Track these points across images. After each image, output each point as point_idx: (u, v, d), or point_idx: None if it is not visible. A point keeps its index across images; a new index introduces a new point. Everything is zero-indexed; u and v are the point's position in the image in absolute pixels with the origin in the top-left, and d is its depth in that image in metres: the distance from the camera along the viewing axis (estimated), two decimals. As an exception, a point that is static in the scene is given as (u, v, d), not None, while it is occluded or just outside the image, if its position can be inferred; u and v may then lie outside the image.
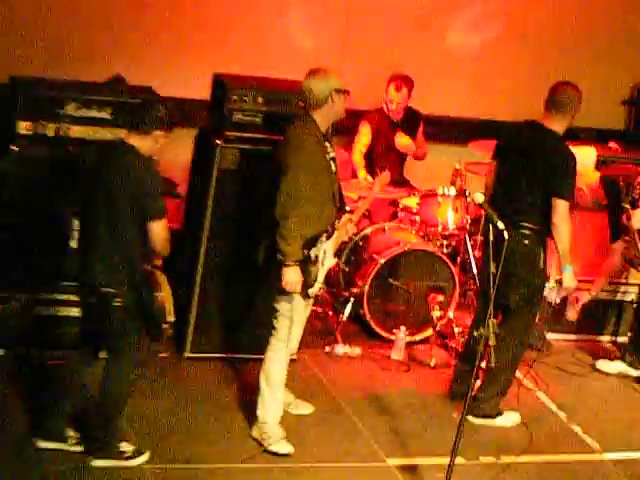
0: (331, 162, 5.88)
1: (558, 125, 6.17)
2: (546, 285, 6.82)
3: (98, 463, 5.68)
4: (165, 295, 5.69)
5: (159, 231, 5.35)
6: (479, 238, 7.67)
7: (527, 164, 6.40)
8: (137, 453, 5.75)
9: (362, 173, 7.97)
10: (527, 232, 6.24)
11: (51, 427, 5.71)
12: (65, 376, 5.80)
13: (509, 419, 6.60)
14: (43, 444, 5.64)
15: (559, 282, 6.63)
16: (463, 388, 6.12)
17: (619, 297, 7.98)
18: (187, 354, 6.87)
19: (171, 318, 5.71)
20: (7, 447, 5.77)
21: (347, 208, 6.39)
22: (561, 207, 6.13)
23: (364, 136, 8.05)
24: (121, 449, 5.70)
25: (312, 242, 5.82)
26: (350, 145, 8.21)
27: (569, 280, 6.41)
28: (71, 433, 5.61)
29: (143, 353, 5.81)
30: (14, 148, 6.25)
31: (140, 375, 5.91)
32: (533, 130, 6.18)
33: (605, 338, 8.10)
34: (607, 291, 7.84)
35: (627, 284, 7.82)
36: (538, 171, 6.22)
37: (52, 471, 5.62)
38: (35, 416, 5.94)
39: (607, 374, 7.66)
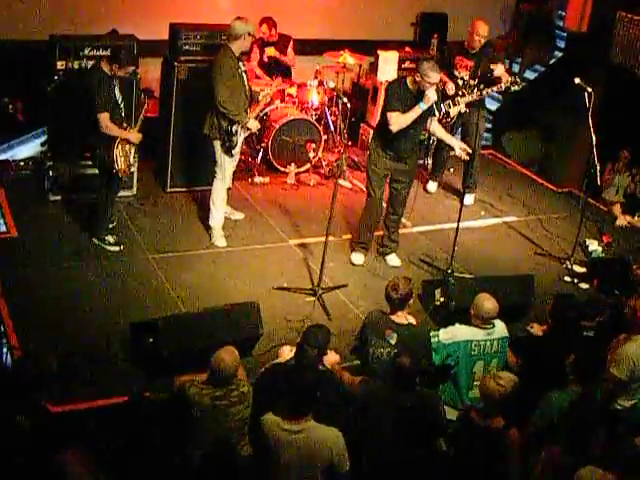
0: (243, 73, 7.76)
1: None
2: None
3: (94, 241, 7.79)
4: (117, 153, 7.41)
5: (101, 120, 7.30)
6: (333, 109, 10.09)
7: None
8: (115, 244, 7.84)
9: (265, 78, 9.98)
10: None
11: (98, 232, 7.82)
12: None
13: None
14: (95, 240, 7.85)
15: None
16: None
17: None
18: (168, 189, 9.03)
19: (117, 166, 7.46)
20: (73, 242, 7.89)
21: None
22: None
23: (254, 54, 10.04)
24: (105, 238, 7.85)
25: (232, 121, 7.71)
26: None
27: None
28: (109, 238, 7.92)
29: (113, 184, 7.70)
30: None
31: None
32: None
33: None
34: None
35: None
36: None
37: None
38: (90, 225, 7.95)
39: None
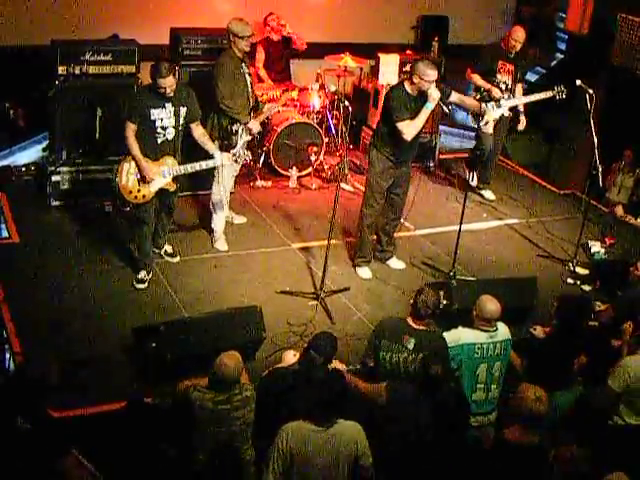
0: (246, 75, 7.83)
1: None
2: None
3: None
4: (126, 168, 7.09)
5: (125, 127, 7.03)
6: (335, 112, 10.13)
7: None
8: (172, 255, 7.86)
9: (268, 81, 10.15)
10: None
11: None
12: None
13: None
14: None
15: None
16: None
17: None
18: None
19: (116, 179, 7.09)
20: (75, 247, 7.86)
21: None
22: None
23: (259, 54, 10.16)
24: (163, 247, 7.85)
25: (232, 120, 7.79)
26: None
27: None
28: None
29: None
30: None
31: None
32: None
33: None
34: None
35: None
36: None
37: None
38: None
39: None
